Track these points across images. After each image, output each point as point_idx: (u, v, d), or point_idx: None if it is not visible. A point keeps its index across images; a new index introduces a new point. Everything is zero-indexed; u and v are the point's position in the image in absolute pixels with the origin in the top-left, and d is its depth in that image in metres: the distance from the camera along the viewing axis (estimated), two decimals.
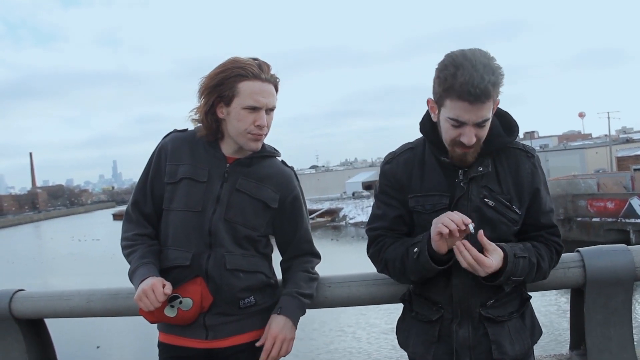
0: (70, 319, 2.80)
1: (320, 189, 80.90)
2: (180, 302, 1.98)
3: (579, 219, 34.98)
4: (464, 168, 1.86)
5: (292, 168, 2.22)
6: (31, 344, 2.76)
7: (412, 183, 1.93)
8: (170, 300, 1.96)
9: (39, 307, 2.67)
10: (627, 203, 32.56)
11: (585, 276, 2.09)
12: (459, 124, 1.77)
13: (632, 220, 31.92)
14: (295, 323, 2.08)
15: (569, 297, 2.28)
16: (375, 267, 2.04)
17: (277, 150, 2.20)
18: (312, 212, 61.73)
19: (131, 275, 2.03)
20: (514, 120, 1.93)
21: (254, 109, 1.98)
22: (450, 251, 1.78)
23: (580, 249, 2.16)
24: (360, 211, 58.82)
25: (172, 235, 2.09)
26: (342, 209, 62.55)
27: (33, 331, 2.78)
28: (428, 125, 1.93)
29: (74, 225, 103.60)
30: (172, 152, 2.10)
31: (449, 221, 1.71)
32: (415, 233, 1.94)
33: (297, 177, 2.21)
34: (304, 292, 2.14)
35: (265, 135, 2.07)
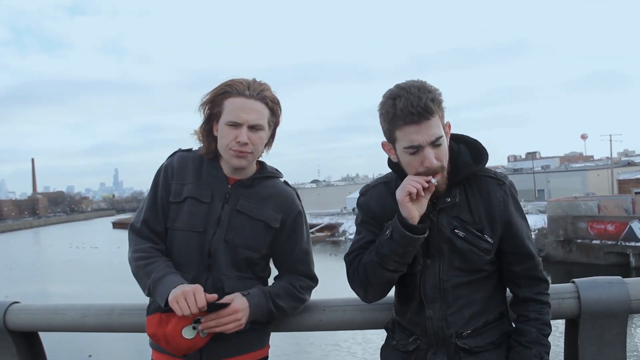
0: None
1: (321, 203, 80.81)
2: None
3: (579, 240, 34.89)
4: (433, 199, 1.87)
5: (294, 188, 2.22)
6: (24, 358, 2.74)
7: (387, 213, 1.94)
8: (195, 321, 1.93)
9: (34, 320, 2.66)
10: (628, 226, 32.49)
11: (580, 307, 2.09)
12: (415, 149, 1.79)
13: (633, 244, 31.81)
14: (250, 317, 1.99)
15: (562, 327, 2.28)
16: (355, 288, 1.98)
17: (278, 171, 2.21)
18: (312, 226, 60.89)
19: (157, 282, 1.96)
20: (483, 148, 1.94)
21: (235, 124, 1.99)
22: (423, 220, 1.82)
23: (575, 280, 2.15)
24: None
25: (175, 256, 2.10)
26: (342, 224, 62.36)
27: (27, 344, 2.76)
28: (395, 162, 1.95)
29: (73, 232, 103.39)
30: (178, 171, 2.12)
31: (414, 181, 1.77)
32: None
33: (299, 198, 2.21)
34: (277, 301, 2.08)
35: (253, 154, 2.05)
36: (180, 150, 2.22)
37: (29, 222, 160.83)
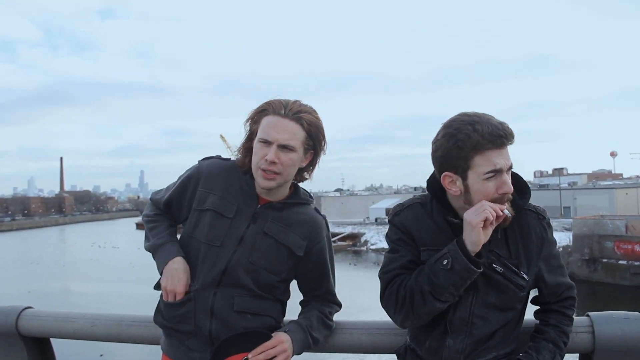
0: None
1: (344, 212, 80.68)
2: None
3: (604, 260, 34.23)
4: None
5: (324, 217, 2.18)
6: None
7: (424, 235, 1.90)
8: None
9: (44, 326, 2.69)
10: None
11: (594, 343, 2.02)
12: (494, 173, 1.75)
13: None
14: (294, 352, 2.01)
15: None
16: (391, 310, 1.90)
17: (312, 198, 2.18)
18: (334, 235, 61.41)
19: (156, 248, 2.11)
20: (526, 183, 1.91)
21: (266, 142, 1.97)
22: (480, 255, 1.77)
23: (590, 313, 2.08)
24: (382, 237, 58.22)
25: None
26: (364, 234, 62.09)
27: (38, 349, 2.79)
28: (436, 185, 1.91)
29: (97, 231, 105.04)
30: (207, 179, 2.10)
31: (491, 208, 1.73)
32: None
33: (327, 226, 2.18)
34: (313, 333, 2.08)
35: (281, 174, 1.99)
36: (217, 157, 2.19)
37: (55, 220, 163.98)
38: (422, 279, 1.80)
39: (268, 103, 2.02)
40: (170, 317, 2.05)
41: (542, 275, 1.87)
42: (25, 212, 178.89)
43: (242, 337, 1.99)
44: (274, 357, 1.95)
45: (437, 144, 1.81)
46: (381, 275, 1.93)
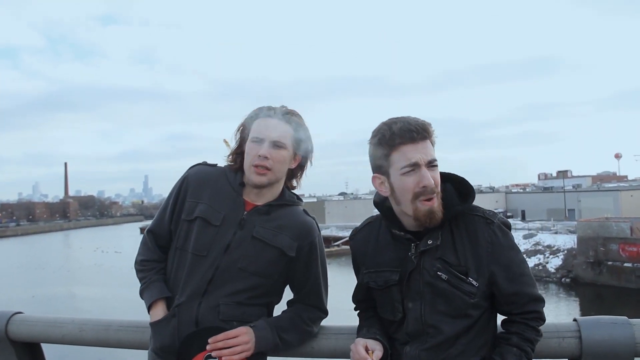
0: None
1: (348, 216, 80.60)
2: None
3: (609, 262, 34.12)
4: (416, 241, 1.85)
5: (313, 218, 2.20)
6: None
7: (367, 259, 1.97)
8: (206, 357, 1.96)
9: (34, 331, 2.69)
10: None
11: (582, 348, 1.99)
12: (412, 167, 1.78)
13: None
14: (255, 349, 2.00)
15: None
16: None
17: (299, 199, 2.20)
18: (337, 239, 61.56)
19: (142, 292, 2.14)
20: (470, 186, 1.91)
21: (258, 139, 2.03)
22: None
23: (578, 318, 2.06)
24: None
25: (172, 277, 2.10)
26: None
27: (28, 354, 2.79)
28: (381, 199, 1.95)
29: (101, 236, 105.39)
30: (195, 188, 2.12)
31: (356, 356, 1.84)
32: (377, 308, 1.99)
33: (318, 227, 2.19)
34: (282, 335, 2.07)
35: (272, 171, 2.04)
36: (203, 164, 2.21)
37: (60, 225, 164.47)
38: (357, 334, 2.01)
39: (258, 109, 2.10)
40: (158, 340, 2.06)
41: (495, 281, 1.82)
42: (30, 217, 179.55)
43: (200, 334, 1.98)
44: (234, 347, 1.95)
45: (368, 150, 1.88)
46: (352, 300, 2.11)
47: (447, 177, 1.92)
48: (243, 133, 2.11)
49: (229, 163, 2.17)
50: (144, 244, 2.22)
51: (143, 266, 2.17)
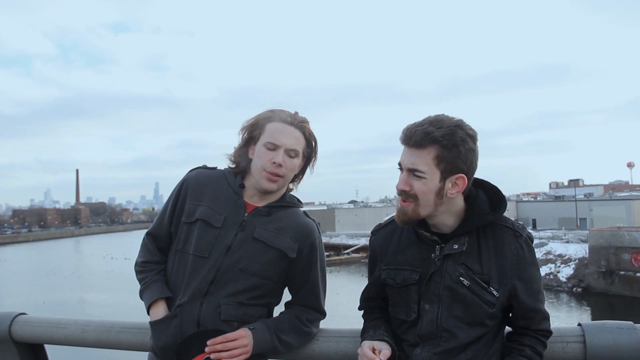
0: None
1: (358, 224, 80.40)
2: None
3: (622, 272, 33.73)
4: (441, 244, 1.83)
5: (313, 220, 2.19)
6: None
7: (387, 256, 1.94)
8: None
9: (37, 332, 2.70)
10: None
11: (586, 353, 1.95)
12: (400, 169, 1.82)
13: None
14: (254, 350, 2.00)
15: None
16: None
17: (299, 202, 2.20)
18: (347, 247, 61.47)
19: (141, 293, 2.14)
20: (502, 195, 1.88)
21: (274, 146, 2.02)
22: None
23: (582, 322, 2.03)
24: None
25: (173, 278, 2.10)
26: None
27: (31, 355, 2.80)
28: None
29: (112, 242, 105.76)
30: (194, 191, 2.12)
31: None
32: (389, 305, 1.96)
33: (318, 230, 2.19)
34: (281, 336, 2.07)
35: (284, 178, 2.06)
36: (203, 167, 2.22)
37: (71, 231, 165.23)
38: (362, 336, 2.00)
39: (272, 111, 2.10)
40: (159, 340, 2.05)
41: (517, 295, 1.82)
42: (42, 223, 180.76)
43: (199, 337, 1.98)
44: (232, 350, 1.95)
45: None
46: (360, 298, 2.09)
47: (479, 184, 1.88)
48: (253, 132, 2.10)
49: (231, 165, 2.17)
50: (143, 246, 2.23)
51: (143, 267, 2.18)
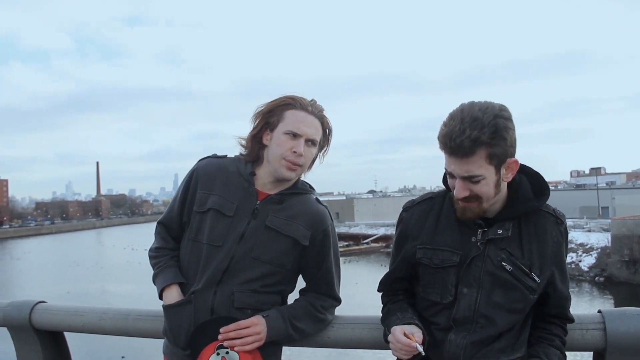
0: None
1: (377, 214, 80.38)
2: (227, 353, 1.95)
3: None
4: (484, 228, 1.79)
5: (326, 206, 2.17)
6: (49, 355, 2.82)
7: (423, 234, 1.88)
8: (218, 347, 1.95)
9: (56, 320, 2.74)
10: None
11: (606, 340, 1.91)
12: (450, 175, 1.75)
13: None
14: (267, 338, 1.99)
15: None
16: None
17: (312, 188, 2.18)
18: (366, 237, 61.44)
19: (155, 277, 2.14)
20: (546, 183, 1.84)
21: (294, 135, 2.01)
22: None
23: (602, 309, 1.99)
24: None
25: (186, 267, 2.10)
26: None
27: (51, 343, 2.84)
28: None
29: (132, 234, 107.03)
30: (205, 180, 2.11)
31: (400, 348, 1.75)
32: (419, 287, 1.91)
33: (330, 216, 2.17)
34: (295, 323, 2.06)
35: (302, 167, 2.05)
36: (213, 156, 2.20)
37: (92, 223, 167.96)
38: (385, 319, 1.96)
39: (292, 98, 2.06)
40: (172, 325, 2.06)
41: (554, 282, 1.80)
42: (64, 215, 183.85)
43: (212, 324, 1.97)
44: (246, 337, 1.94)
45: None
46: (378, 289, 2.04)
47: (521, 169, 1.84)
48: (270, 118, 2.07)
49: (243, 151, 2.15)
50: (157, 234, 2.24)
51: (157, 253, 2.19)
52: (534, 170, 1.86)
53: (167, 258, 2.15)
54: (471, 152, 1.65)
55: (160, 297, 2.10)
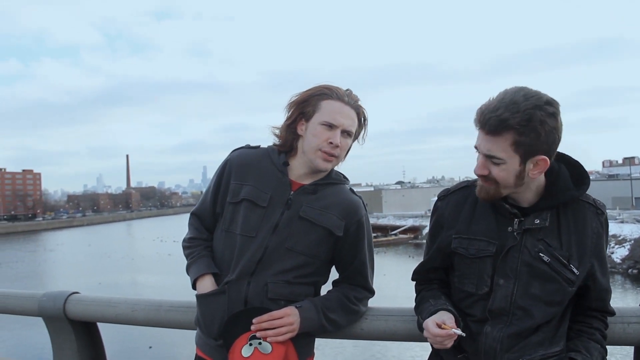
0: None
1: (405, 205, 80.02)
2: (260, 344, 1.94)
3: None
4: (520, 217, 1.74)
5: (360, 197, 2.15)
6: (82, 345, 2.87)
7: (458, 223, 1.84)
8: (250, 338, 1.94)
9: (89, 310, 2.77)
10: None
11: None
12: (476, 150, 1.73)
13: None
14: (301, 329, 1.97)
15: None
16: None
17: (346, 178, 2.16)
18: (395, 228, 61.17)
19: (188, 267, 2.13)
20: (586, 172, 1.78)
21: (331, 126, 1.99)
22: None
23: None
24: None
25: (219, 258, 2.10)
26: (426, 226, 60.84)
27: (85, 333, 2.89)
28: None
29: (162, 226, 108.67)
30: (238, 170, 2.10)
31: (440, 340, 1.71)
32: (454, 276, 1.87)
33: (364, 206, 2.14)
34: (329, 314, 2.04)
35: (338, 158, 2.03)
36: (246, 147, 2.19)
37: (123, 215, 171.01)
38: (418, 307, 1.93)
39: (328, 88, 2.03)
40: (205, 315, 2.06)
41: (594, 274, 1.75)
42: (95, 208, 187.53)
43: (245, 315, 1.96)
44: (279, 328, 1.93)
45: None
46: (412, 278, 2.01)
47: (560, 157, 1.79)
48: (305, 108, 2.04)
49: (277, 141, 2.13)
50: (190, 224, 2.24)
51: (190, 243, 2.18)
52: (574, 159, 1.80)
53: (201, 248, 2.15)
54: (496, 132, 1.62)
55: (194, 287, 2.10)
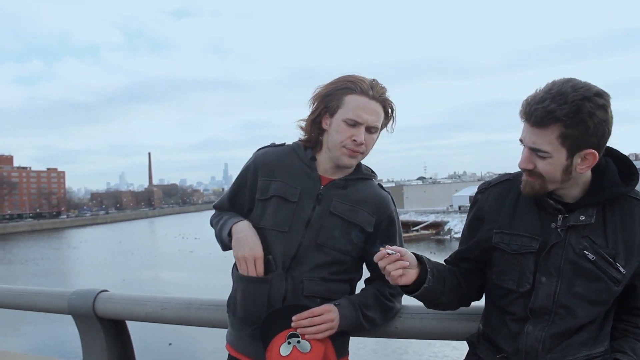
0: None
1: (426, 201, 79.63)
2: (299, 342, 1.90)
3: None
4: (565, 214, 1.67)
5: (389, 192, 2.11)
6: (111, 343, 2.88)
7: (500, 218, 1.78)
8: (289, 336, 1.91)
9: (118, 308, 2.78)
10: None
11: None
12: (521, 143, 1.66)
13: None
14: (340, 327, 1.93)
15: None
16: None
17: (374, 173, 2.12)
18: (416, 224, 60.84)
19: (222, 226, 2.09)
20: (635, 167, 1.69)
21: (355, 123, 1.93)
22: (418, 282, 1.75)
23: None
24: None
25: None
26: (447, 222, 60.55)
27: (114, 331, 2.89)
28: None
29: (184, 223, 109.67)
30: (266, 167, 2.06)
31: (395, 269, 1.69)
32: (493, 273, 1.81)
33: (393, 202, 2.11)
34: (366, 312, 1.99)
35: (363, 154, 1.99)
36: (271, 145, 2.16)
37: (145, 212, 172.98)
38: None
39: (351, 81, 1.96)
40: (247, 297, 2.00)
41: (638, 272, 1.67)
42: (118, 205, 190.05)
43: (284, 312, 1.92)
44: (319, 325, 1.89)
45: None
46: (451, 255, 1.96)
47: (608, 152, 1.71)
48: (329, 102, 1.98)
49: (302, 135, 2.09)
50: (215, 210, 2.26)
51: (218, 214, 2.20)
52: (622, 153, 1.72)
53: (232, 213, 2.14)
54: (543, 124, 1.55)
55: (227, 246, 2.06)
